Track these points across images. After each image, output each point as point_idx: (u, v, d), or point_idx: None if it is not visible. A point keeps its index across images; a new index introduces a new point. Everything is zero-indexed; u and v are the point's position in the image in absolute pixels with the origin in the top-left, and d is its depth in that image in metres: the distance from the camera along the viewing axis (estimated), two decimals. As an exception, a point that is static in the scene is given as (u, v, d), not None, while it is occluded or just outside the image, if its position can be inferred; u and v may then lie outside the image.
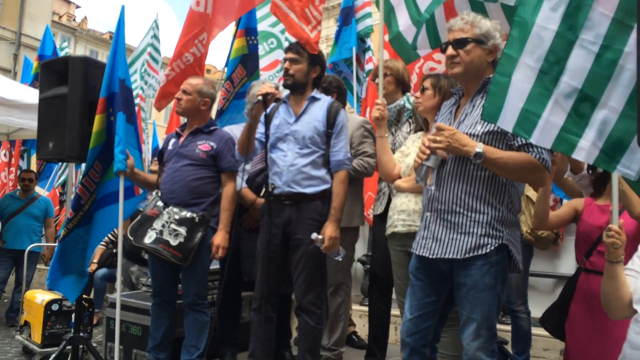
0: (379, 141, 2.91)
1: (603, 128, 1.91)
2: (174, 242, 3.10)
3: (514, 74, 1.97)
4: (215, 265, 3.74)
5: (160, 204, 3.23)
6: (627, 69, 1.88)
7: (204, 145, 3.31)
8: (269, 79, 5.14)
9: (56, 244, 5.70)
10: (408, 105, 3.47)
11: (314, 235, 2.82)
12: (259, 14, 5.41)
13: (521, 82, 1.95)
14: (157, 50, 7.91)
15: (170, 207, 3.19)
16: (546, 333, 4.02)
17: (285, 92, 3.16)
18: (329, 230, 2.86)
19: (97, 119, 3.28)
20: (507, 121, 1.98)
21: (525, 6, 1.97)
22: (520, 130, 1.97)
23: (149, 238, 3.13)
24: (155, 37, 7.91)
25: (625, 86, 1.89)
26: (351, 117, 3.70)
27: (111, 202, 3.44)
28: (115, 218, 3.42)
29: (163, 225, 3.14)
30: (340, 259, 2.97)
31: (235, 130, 3.66)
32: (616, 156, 1.91)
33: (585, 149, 1.93)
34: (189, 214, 3.17)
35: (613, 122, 1.91)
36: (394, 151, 3.19)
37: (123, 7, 3.44)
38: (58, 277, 3.37)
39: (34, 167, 7.46)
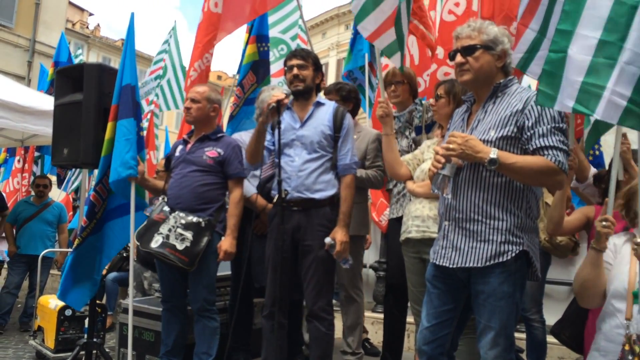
0: (384, 139, 2.90)
1: None
2: (180, 246, 3.11)
3: (570, 47, 1.82)
4: (226, 272, 3.75)
5: (166, 209, 3.25)
6: None
7: (211, 152, 3.34)
8: (278, 85, 5.17)
9: (69, 250, 5.76)
10: (419, 108, 3.48)
11: (327, 240, 2.81)
12: (270, 19, 5.45)
13: (579, 54, 1.80)
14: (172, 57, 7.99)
15: (176, 212, 3.21)
16: (562, 341, 3.98)
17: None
18: (340, 234, 2.85)
19: (109, 126, 3.30)
20: (566, 100, 1.82)
21: None
22: (580, 106, 1.80)
23: (156, 242, 3.14)
24: (174, 44, 7.99)
25: None
26: (367, 130, 3.74)
27: (127, 213, 3.44)
28: (128, 231, 3.41)
29: (169, 230, 3.15)
30: (348, 267, 2.96)
31: (244, 137, 3.67)
32: None
33: None
34: (195, 219, 3.18)
35: None
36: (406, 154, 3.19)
37: (132, 14, 3.46)
38: (69, 287, 3.35)
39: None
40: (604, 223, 1.99)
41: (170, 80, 7.82)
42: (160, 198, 3.35)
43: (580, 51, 1.80)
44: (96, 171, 3.40)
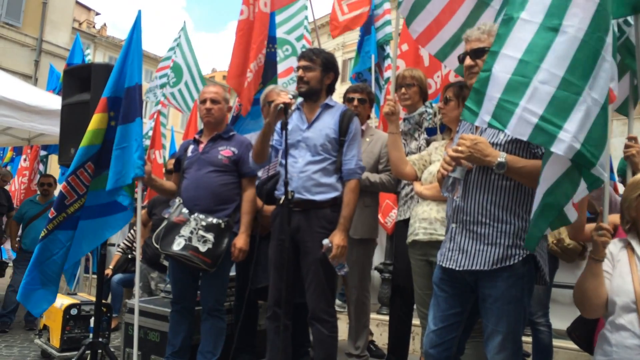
0: (390, 137, 2.92)
1: (585, 121, 1.76)
2: (202, 249, 3.13)
3: (494, 67, 1.88)
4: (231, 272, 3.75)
5: (185, 211, 3.24)
6: (606, 60, 1.81)
7: (225, 151, 3.35)
8: (283, 85, 5.18)
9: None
10: (429, 110, 3.47)
11: (325, 242, 2.80)
12: (276, 20, 5.46)
13: (500, 72, 1.86)
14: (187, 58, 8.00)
15: (196, 214, 3.20)
16: (568, 345, 3.96)
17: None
18: (337, 238, 2.83)
19: (96, 117, 3.15)
20: (484, 115, 1.87)
21: (513, 4, 1.92)
22: (495, 121, 1.85)
23: (178, 245, 3.14)
24: (186, 45, 8.00)
25: (605, 79, 1.80)
26: (380, 134, 3.75)
27: (102, 214, 3.24)
28: (102, 233, 3.26)
29: (191, 232, 3.16)
30: (343, 274, 2.94)
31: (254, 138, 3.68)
32: (595, 153, 1.78)
33: (566, 142, 1.74)
34: (215, 220, 3.19)
35: (594, 115, 1.77)
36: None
37: (140, 12, 3.42)
38: (36, 286, 3.14)
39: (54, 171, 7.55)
40: (599, 232, 1.97)
41: (188, 82, 7.82)
42: (177, 200, 3.33)
43: (502, 69, 1.86)
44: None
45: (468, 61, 2.22)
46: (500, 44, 1.89)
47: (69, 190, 3.16)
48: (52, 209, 3.19)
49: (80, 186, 3.18)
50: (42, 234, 3.17)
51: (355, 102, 3.59)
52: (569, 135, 1.75)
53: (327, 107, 3.07)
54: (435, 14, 3.14)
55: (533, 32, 1.84)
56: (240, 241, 3.24)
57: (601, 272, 1.99)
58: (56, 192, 6.13)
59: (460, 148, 2.04)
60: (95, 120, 3.16)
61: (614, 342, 1.95)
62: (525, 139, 1.84)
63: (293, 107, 3.00)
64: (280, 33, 5.68)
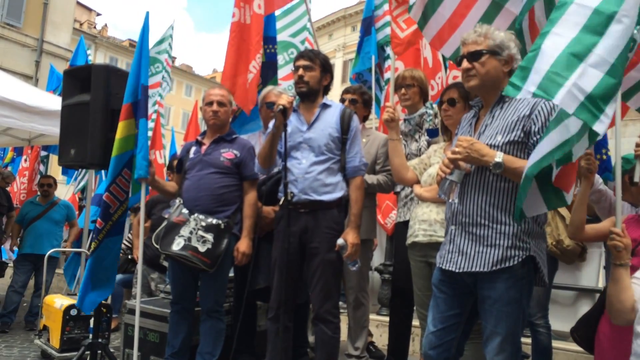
0: (390, 144, 2.91)
1: (615, 107, 1.85)
2: (202, 249, 3.13)
3: (543, 44, 1.89)
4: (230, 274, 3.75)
5: (185, 211, 3.24)
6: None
7: (227, 153, 3.34)
8: (287, 88, 5.19)
9: (75, 250, 5.78)
10: (430, 111, 3.47)
11: (340, 241, 2.81)
12: (280, 24, 5.48)
13: (550, 49, 1.87)
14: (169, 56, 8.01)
15: (196, 214, 3.21)
16: (568, 347, 3.97)
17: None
18: (351, 236, 2.84)
19: (123, 125, 3.25)
20: (529, 86, 1.88)
21: None
22: (540, 91, 1.85)
23: (177, 245, 3.14)
24: (170, 45, 8.00)
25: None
26: (377, 134, 3.75)
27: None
28: None
29: (191, 232, 3.16)
30: (356, 269, 2.95)
31: (252, 139, 3.69)
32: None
33: (605, 124, 1.81)
34: (214, 221, 3.19)
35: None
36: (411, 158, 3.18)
37: (147, 14, 3.45)
38: (88, 291, 3.31)
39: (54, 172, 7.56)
40: (610, 236, 1.98)
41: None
42: (177, 200, 3.34)
43: (552, 46, 1.88)
44: (103, 172, 3.40)
45: (465, 64, 2.22)
46: (551, 26, 1.92)
47: (112, 199, 3.33)
48: (98, 219, 3.35)
49: (120, 193, 3.35)
50: (94, 245, 3.32)
51: (347, 103, 3.59)
52: (607, 120, 1.81)
53: (325, 106, 3.07)
54: (448, 16, 3.13)
55: (587, 17, 1.86)
56: (243, 245, 3.24)
57: (622, 277, 1.98)
58: (57, 193, 6.18)
59: (457, 149, 2.06)
60: (123, 128, 3.26)
61: (633, 352, 1.93)
62: (570, 112, 1.84)
63: (294, 105, 3.02)
64: (285, 36, 5.70)
